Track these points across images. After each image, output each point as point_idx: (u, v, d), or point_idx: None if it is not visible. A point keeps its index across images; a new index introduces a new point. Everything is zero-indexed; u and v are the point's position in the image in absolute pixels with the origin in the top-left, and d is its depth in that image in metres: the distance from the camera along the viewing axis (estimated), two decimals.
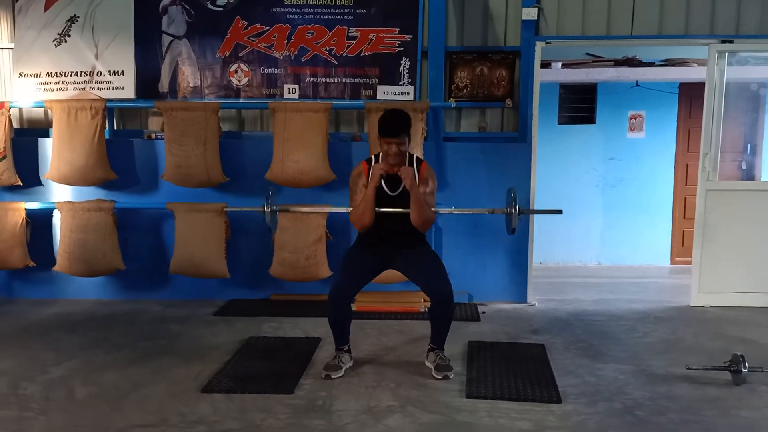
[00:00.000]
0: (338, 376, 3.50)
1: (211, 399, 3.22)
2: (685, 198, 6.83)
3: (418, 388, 3.37)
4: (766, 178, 6.37)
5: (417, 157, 3.61)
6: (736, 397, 3.25)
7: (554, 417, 3.02)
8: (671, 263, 6.90)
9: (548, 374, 3.54)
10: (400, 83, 5.04)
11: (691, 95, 6.64)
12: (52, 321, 4.65)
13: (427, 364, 3.62)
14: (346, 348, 3.65)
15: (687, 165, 6.81)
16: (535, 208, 5.03)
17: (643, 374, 3.57)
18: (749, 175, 6.55)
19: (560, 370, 3.62)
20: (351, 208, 3.57)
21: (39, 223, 5.08)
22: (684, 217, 6.84)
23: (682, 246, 6.86)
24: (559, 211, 3.84)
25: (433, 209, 3.52)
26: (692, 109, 6.71)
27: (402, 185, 3.46)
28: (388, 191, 3.50)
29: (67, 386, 3.41)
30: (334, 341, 3.64)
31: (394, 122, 3.41)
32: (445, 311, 3.54)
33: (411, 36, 4.99)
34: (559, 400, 3.19)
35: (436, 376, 3.49)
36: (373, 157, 3.60)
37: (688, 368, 3.52)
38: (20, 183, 5.00)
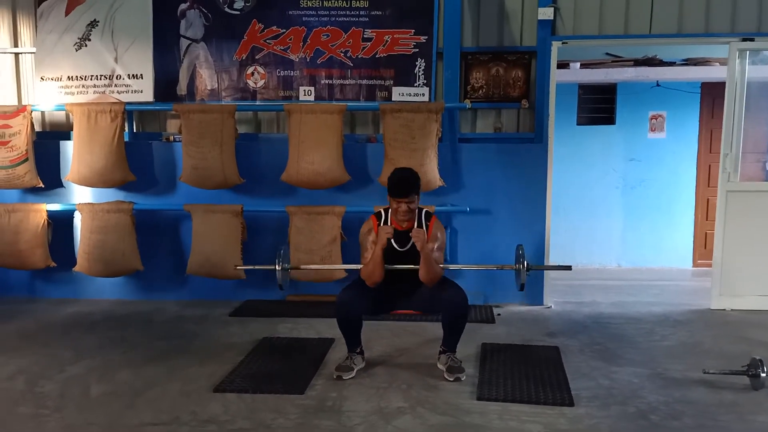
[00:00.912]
0: (350, 377, 3.51)
1: (223, 398, 3.25)
2: (708, 199, 6.71)
3: (429, 389, 3.36)
4: None
5: (426, 212, 3.65)
6: (754, 402, 3.18)
7: (565, 420, 2.98)
8: (693, 266, 6.77)
9: (561, 377, 3.50)
10: (415, 84, 5.03)
11: (713, 95, 6.51)
12: (72, 320, 4.74)
13: (439, 365, 3.61)
14: (359, 350, 3.66)
15: (709, 166, 6.68)
16: (552, 205, 4.97)
17: (659, 378, 3.51)
18: None
19: (574, 372, 3.58)
20: (362, 265, 3.60)
21: (60, 224, 5.17)
22: (706, 219, 6.71)
23: (704, 248, 6.72)
24: (569, 268, 3.82)
25: (441, 265, 3.56)
26: (714, 109, 6.58)
27: (411, 242, 3.50)
28: (397, 248, 3.55)
29: (83, 384, 3.46)
30: (350, 347, 3.66)
31: (404, 183, 3.48)
32: (457, 317, 3.54)
33: (426, 37, 4.98)
34: (571, 403, 3.15)
35: (447, 378, 3.48)
36: (382, 211, 3.65)
37: (705, 372, 3.45)
38: (42, 185, 5.11)
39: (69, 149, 5.15)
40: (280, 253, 3.79)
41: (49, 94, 5.29)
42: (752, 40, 4.72)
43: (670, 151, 6.68)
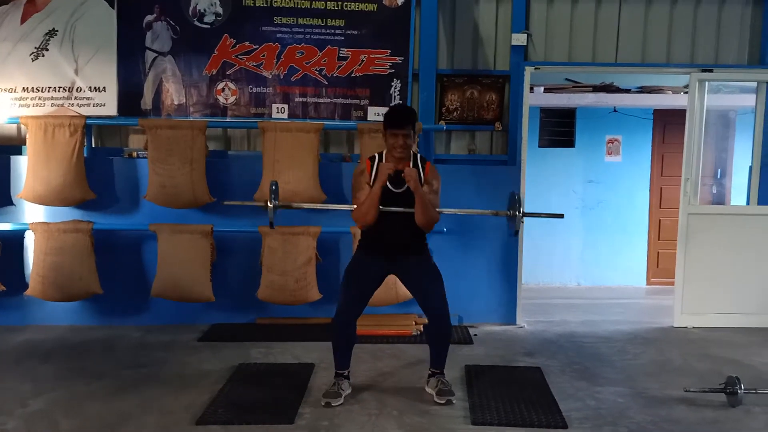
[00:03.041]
0: (338, 403, 3.40)
1: (207, 431, 3.07)
2: (660, 220, 7.01)
3: (422, 415, 3.30)
4: (734, 202, 6.59)
5: (421, 157, 3.56)
6: (734, 419, 3.30)
7: None
8: (647, 284, 7.03)
9: (550, 398, 3.52)
10: (390, 105, 5.02)
11: (665, 121, 6.85)
12: (24, 349, 4.40)
13: (428, 389, 3.56)
14: (346, 374, 3.56)
15: (661, 188, 6.99)
16: (523, 231, 5.05)
17: (641, 397, 3.59)
18: (719, 199, 6.76)
19: (560, 393, 3.61)
20: (354, 206, 3.47)
21: (10, 245, 4.82)
22: (659, 239, 7.01)
23: (657, 267, 7.01)
24: (561, 215, 3.82)
25: (437, 209, 3.48)
26: (666, 135, 6.92)
27: (406, 185, 3.39)
28: (393, 188, 3.42)
29: (50, 420, 3.21)
30: (336, 365, 3.54)
31: (401, 113, 3.44)
32: (443, 330, 3.50)
33: (402, 58, 4.99)
34: (565, 425, 3.17)
35: (438, 401, 3.43)
36: (376, 155, 3.53)
37: (686, 390, 3.56)
38: None
39: (21, 165, 4.84)
40: (272, 188, 3.60)
41: (1, 106, 4.94)
42: (711, 71, 4.99)
43: (625, 174, 6.95)
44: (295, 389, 3.62)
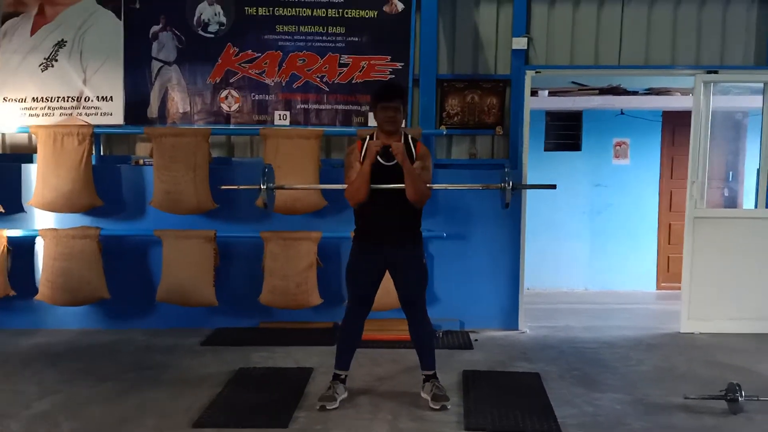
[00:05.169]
0: (333, 407, 3.43)
1: None
2: (670, 224, 6.92)
3: (416, 419, 3.31)
4: (747, 205, 6.48)
5: (412, 137, 3.61)
6: (734, 427, 3.25)
7: None
8: (657, 289, 6.94)
9: (546, 404, 3.50)
10: None
11: (674, 123, 6.77)
12: (33, 352, 4.50)
13: (423, 395, 3.57)
14: (343, 376, 3.59)
15: (671, 192, 6.90)
16: (526, 229, 5.03)
17: (640, 404, 3.55)
18: (731, 202, 6.66)
19: (557, 399, 3.59)
20: (346, 185, 3.52)
21: (20, 250, 4.94)
22: (669, 243, 6.92)
23: (667, 271, 6.92)
24: (553, 186, 3.85)
25: (428, 185, 3.52)
26: (675, 137, 6.84)
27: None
28: (383, 161, 3.46)
29: (52, 422, 3.28)
30: (336, 365, 3.58)
31: (390, 87, 3.54)
32: (421, 329, 3.54)
33: (402, 64, 5.02)
34: None
35: (433, 406, 3.44)
36: (367, 136, 3.59)
37: (686, 397, 3.51)
38: (2, 210, 4.88)
39: (31, 173, 4.95)
40: (264, 170, 3.68)
41: (12, 116, 5.08)
42: (716, 72, 4.93)
43: (633, 177, 6.88)
44: (292, 393, 3.65)
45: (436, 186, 3.63)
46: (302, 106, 5.08)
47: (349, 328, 3.59)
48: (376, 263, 3.55)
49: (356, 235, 3.62)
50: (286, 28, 5.02)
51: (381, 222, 3.49)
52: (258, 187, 3.69)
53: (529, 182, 5.13)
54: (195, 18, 5.05)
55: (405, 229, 3.54)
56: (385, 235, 3.50)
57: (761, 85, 5.14)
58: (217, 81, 5.09)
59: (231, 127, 5.12)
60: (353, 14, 4.99)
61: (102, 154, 5.31)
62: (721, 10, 5.09)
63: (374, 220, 3.50)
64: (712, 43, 5.09)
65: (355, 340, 3.61)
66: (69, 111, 5.05)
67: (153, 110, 5.11)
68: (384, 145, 3.43)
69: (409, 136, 3.58)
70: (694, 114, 4.96)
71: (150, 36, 5.07)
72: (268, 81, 5.08)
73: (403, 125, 3.56)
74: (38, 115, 5.07)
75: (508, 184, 3.58)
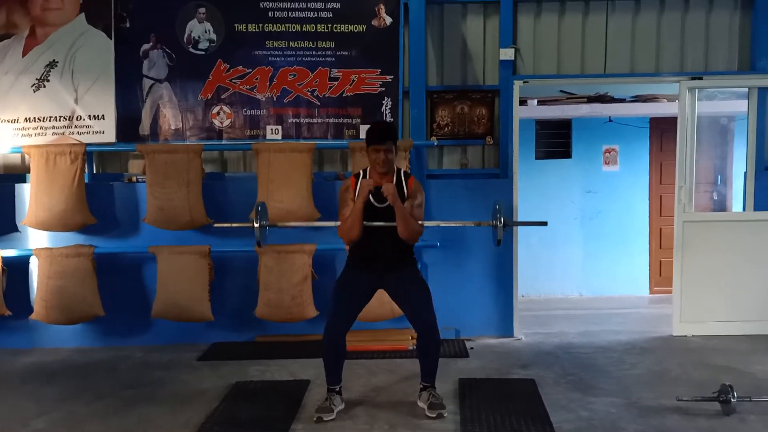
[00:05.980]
0: (330, 418, 3.44)
1: None
2: (660, 228, 6.99)
3: (413, 429, 3.33)
4: (735, 208, 6.55)
5: (405, 172, 3.65)
6: (727, 428, 3.28)
7: None
8: (650, 293, 7.00)
9: (542, 410, 3.53)
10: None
11: (661, 129, 6.86)
12: (30, 371, 4.51)
13: (420, 403, 3.59)
14: (338, 389, 3.60)
15: (661, 196, 6.98)
16: (518, 243, 5.09)
17: (634, 407, 3.58)
18: (720, 205, 6.74)
19: (553, 405, 3.62)
20: (339, 223, 3.56)
21: (15, 270, 4.95)
22: (660, 248, 6.99)
23: (659, 275, 6.98)
24: (544, 223, 3.86)
25: (420, 222, 3.54)
26: (663, 143, 6.93)
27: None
28: (376, 204, 3.50)
29: None
30: (327, 381, 3.59)
31: (381, 130, 3.54)
32: (431, 343, 3.54)
33: (392, 76, 5.08)
34: None
35: (430, 414, 3.46)
36: (361, 171, 3.62)
37: (678, 399, 3.55)
38: None
39: (25, 193, 4.97)
40: (258, 209, 3.68)
41: (5, 137, 5.10)
42: (700, 78, 5.01)
43: (623, 183, 6.96)
44: (289, 406, 3.67)
45: (428, 223, 3.68)
46: (294, 120, 5.13)
47: (331, 345, 3.54)
48: (369, 282, 3.59)
49: (348, 264, 3.67)
50: (276, 44, 5.07)
51: (374, 254, 3.55)
52: (251, 225, 3.66)
53: (520, 191, 5.18)
54: (185, 35, 5.09)
55: (398, 257, 3.58)
56: (379, 263, 3.56)
57: (746, 90, 5.23)
58: (209, 97, 5.13)
59: (223, 143, 5.15)
60: (342, 29, 5.05)
61: (95, 172, 5.33)
62: (704, 17, 5.18)
63: (368, 252, 3.56)
64: (696, 50, 5.17)
65: (339, 356, 3.58)
66: (61, 130, 5.08)
67: (145, 127, 5.14)
68: (376, 186, 3.46)
69: (402, 171, 3.62)
70: (680, 120, 5.04)
71: (141, 54, 5.11)
72: (259, 96, 5.12)
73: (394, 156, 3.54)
74: (31, 135, 5.08)
75: (500, 221, 3.59)
